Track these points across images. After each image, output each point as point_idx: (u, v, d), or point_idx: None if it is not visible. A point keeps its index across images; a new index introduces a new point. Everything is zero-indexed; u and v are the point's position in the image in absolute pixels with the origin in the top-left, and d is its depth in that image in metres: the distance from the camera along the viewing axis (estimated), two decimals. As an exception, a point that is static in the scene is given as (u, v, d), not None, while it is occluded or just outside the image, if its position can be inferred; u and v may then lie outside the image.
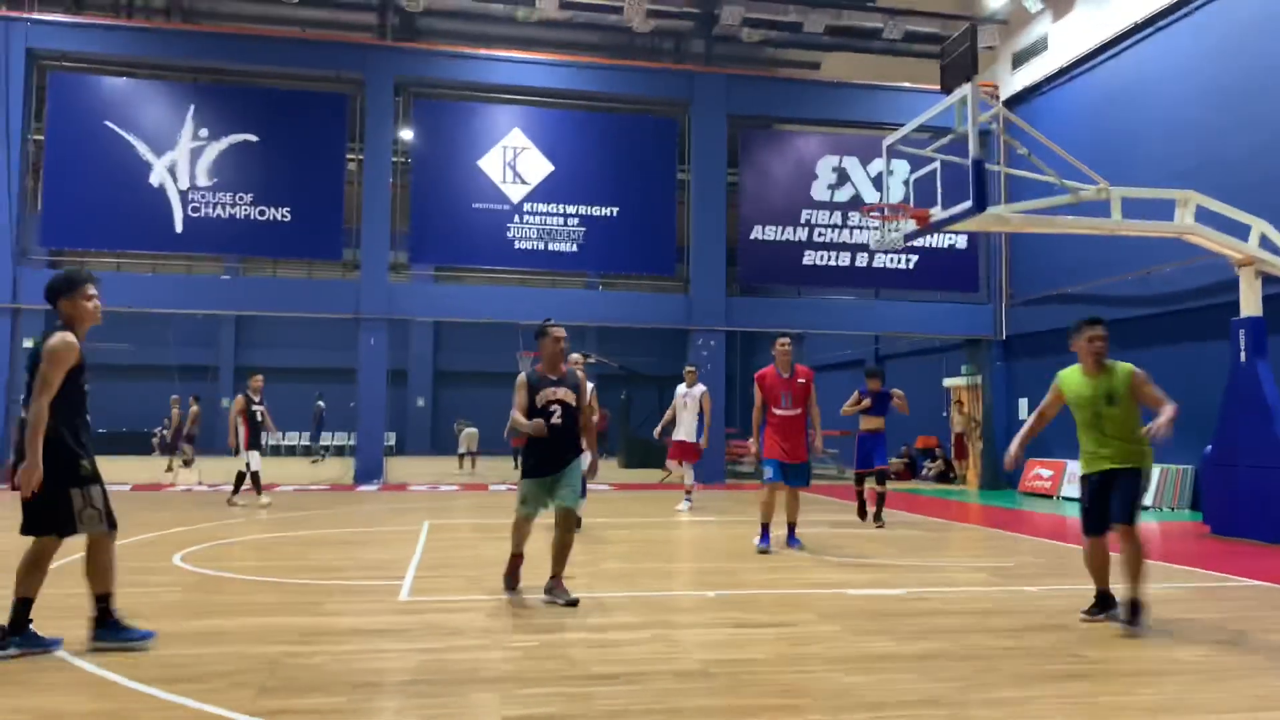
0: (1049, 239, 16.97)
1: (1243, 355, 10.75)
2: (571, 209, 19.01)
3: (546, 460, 6.33)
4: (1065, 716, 3.94)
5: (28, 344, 19.29)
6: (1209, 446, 11.25)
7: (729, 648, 5.11)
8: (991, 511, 14.35)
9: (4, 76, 17.23)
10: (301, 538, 9.96)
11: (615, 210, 19.17)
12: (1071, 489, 16.80)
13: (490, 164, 18.82)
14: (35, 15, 17.69)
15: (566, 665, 4.70)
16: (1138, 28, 16.16)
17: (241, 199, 17.90)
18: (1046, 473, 17.80)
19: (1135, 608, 5.64)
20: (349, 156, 18.73)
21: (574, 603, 6.12)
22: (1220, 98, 14.46)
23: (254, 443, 13.27)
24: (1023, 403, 19.57)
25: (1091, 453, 6.15)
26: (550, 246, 18.92)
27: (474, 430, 23.58)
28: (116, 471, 20.78)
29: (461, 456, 23.44)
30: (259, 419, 13.35)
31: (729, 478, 20.13)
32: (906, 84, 20.32)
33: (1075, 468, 17.95)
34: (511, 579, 6.62)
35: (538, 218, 18.90)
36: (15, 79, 17.31)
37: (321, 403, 29.55)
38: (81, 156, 17.49)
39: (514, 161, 18.90)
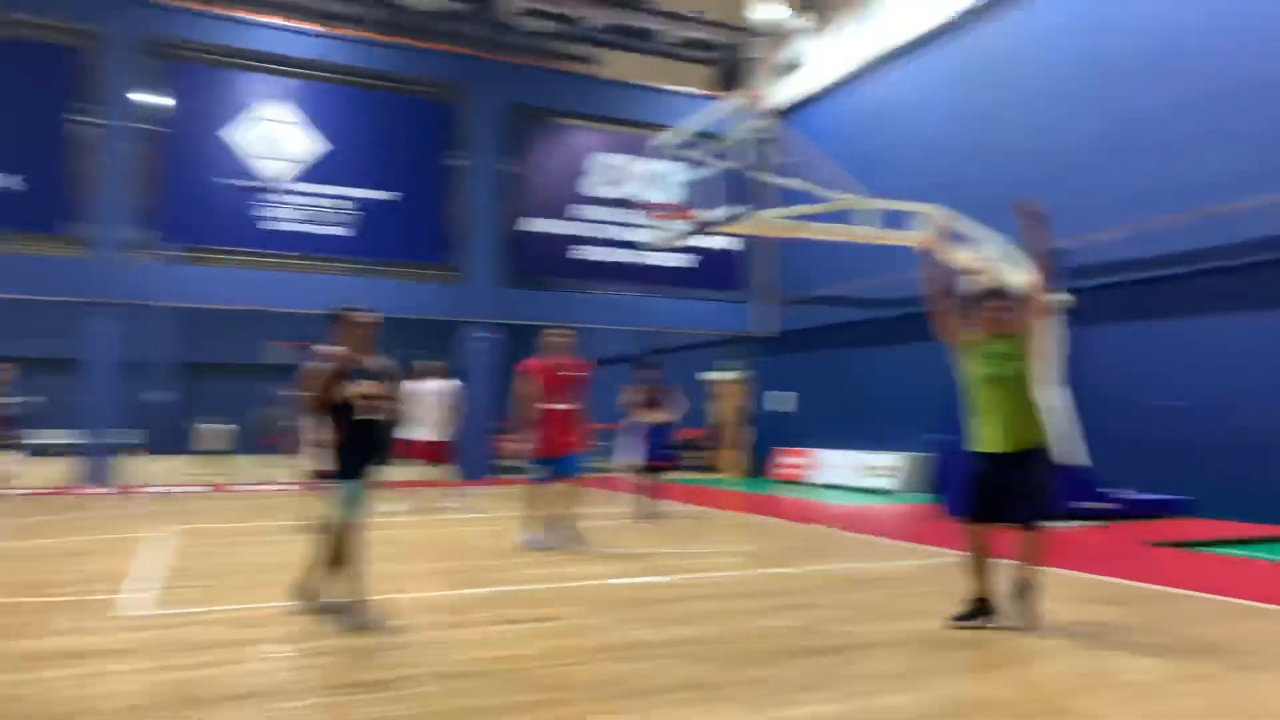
0: (813, 244, 18.00)
1: (972, 354, 11.82)
2: (340, 190, 18.12)
3: (371, 460, 5.74)
4: (814, 688, 4.14)
5: None
6: (944, 435, 12.31)
7: (497, 646, 5.01)
8: (751, 498, 15.04)
9: None
10: (13, 550, 8.85)
11: (387, 194, 18.46)
12: (823, 475, 17.97)
13: (251, 137, 17.58)
14: None
15: (324, 675, 4.44)
16: (892, 53, 17.48)
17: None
18: (800, 461, 18.92)
19: (1024, 589, 5.37)
20: (83, 119, 16.83)
21: (370, 624, 5.43)
22: (963, 120, 15.90)
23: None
24: (785, 396, 20.70)
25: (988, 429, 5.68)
26: (316, 229, 17.96)
27: (224, 428, 21.83)
28: None
29: (206, 455, 21.73)
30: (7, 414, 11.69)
31: (497, 473, 19.94)
32: (683, 87, 20.91)
33: (828, 456, 19.13)
34: (311, 590, 5.81)
35: (303, 198, 17.87)
36: None
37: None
38: None
39: (277, 136, 17.76)
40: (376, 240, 18.51)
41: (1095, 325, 13.28)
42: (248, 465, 21.93)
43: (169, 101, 17.23)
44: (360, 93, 19.02)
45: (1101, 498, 11.21)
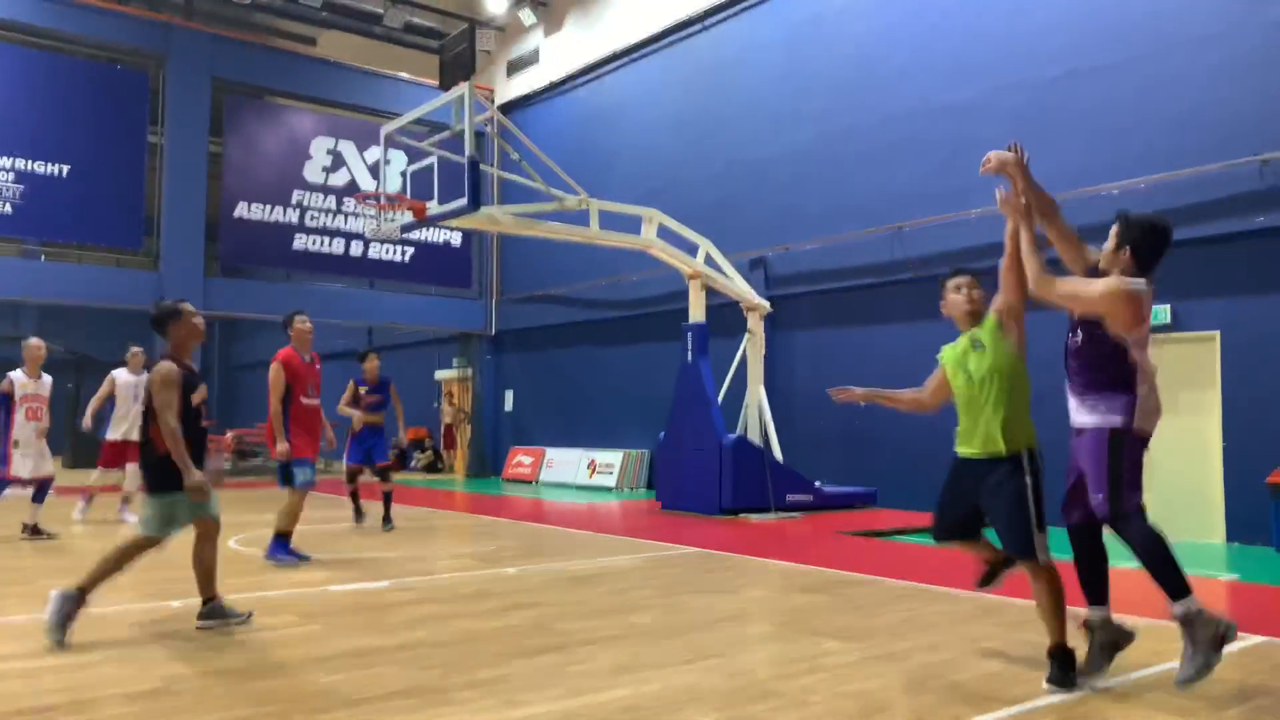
0: (536, 242, 18.15)
1: (690, 355, 12.43)
2: (6, 161, 15.91)
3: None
4: (538, 687, 4.14)
5: None
6: (662, 433, 12.84)
7: (198, 660, 4.57)
8: (477, 499, 14.90)
9: None
10: None
11: (65, 168, 16.41)
12: (549, 474, 18.13)
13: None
14: None
15: (2, 702, 3.84)
16: (617, 55, 17.95)
17: None
18: (527, 459, 18.98)
19: (1062, 658, 4.10)
20: None
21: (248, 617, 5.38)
22: (683, 128, 16.63)
23: None
24: (509, 394, 20.67)
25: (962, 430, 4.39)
26: (-25, 203, 15.64)
27: None
28: None
29: None
30: None
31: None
32: (406, 74, 20.33)
33: (554, 455, 19.38)
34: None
35: (-43, 167, 15.49)
36: None
37: None
38: None
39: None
40: (50, 219, 16.40)
41: (793, 330, 14.40)
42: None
43: None
44: (35, 53, 16.82)
45: (800, 490, 12.13)
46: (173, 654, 4.74)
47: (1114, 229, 4.17)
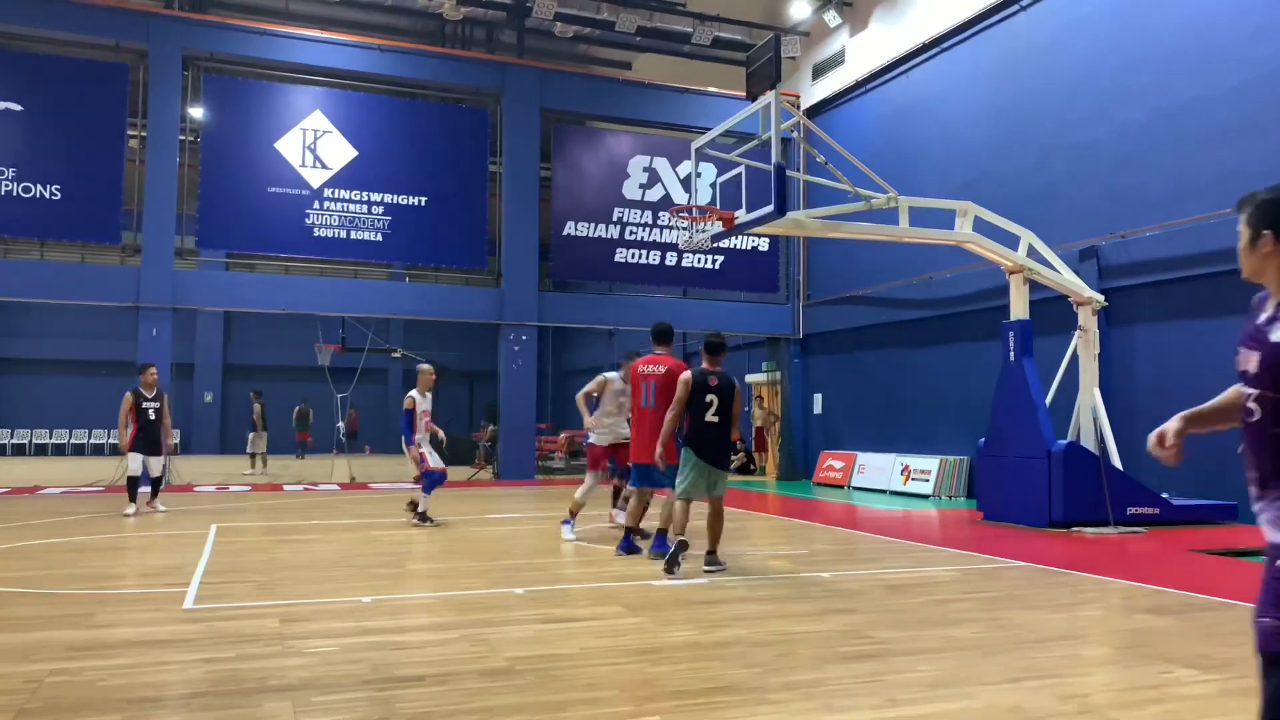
0: (843, 244, 17.97)
1: (1012, 355, 11.73)
2: (376, 196, 18.36)
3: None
4: (854, 694, 4.15)
5: None
6: (982, 439, 12.22)
7: (536, 644, 5.06)
8: (789, 501, 15.01)
9: None
10: (73, 544, 9.10)
11: (423, 200, 18.67)
12: (861, 479, 17.85)
13: (288, 146, 17.86)
14: None
15: (367, 669, 4.51)
16: (925, 47, 17.35)
17: (1, 173, 16.17)
18: (838, 463, 18.81)
19: None
20: (130, 133, 17.26)
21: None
22: (996, 117, 15.74)
23: (142, 445, 11.76)
24: (817, 398, 20.62)
25: None
26: (353, 235, 18.20)
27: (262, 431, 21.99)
28: None
29: (252, 455, 22.04)
30: (151, 417, 11.84)
31: (539, 473, 20.07)
32: (714, 89, 20.92)
33: (866, 459, 18.98)
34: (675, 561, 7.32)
35: (340, 204, 18.12)
36: None
37: None
38: None
39: (314, 145, 18.03)
40: (414, 246, 18.74)
41: (1132, 325, 13.12)
42: (295, 465, 22.25)
43: (209, 114, 17.57)
44: (396, 100, 19.28)
45: (1144, 502, 11.05)
46: (518, 638, 5.27)
47: (1242, 218, 2.47)
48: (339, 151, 18.16)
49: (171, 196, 17.13)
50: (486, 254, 19.51)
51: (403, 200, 18.53)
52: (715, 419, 7.56)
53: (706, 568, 7.48)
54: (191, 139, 18.04)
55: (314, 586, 6.86)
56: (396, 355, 28.99)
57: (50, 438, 31.18)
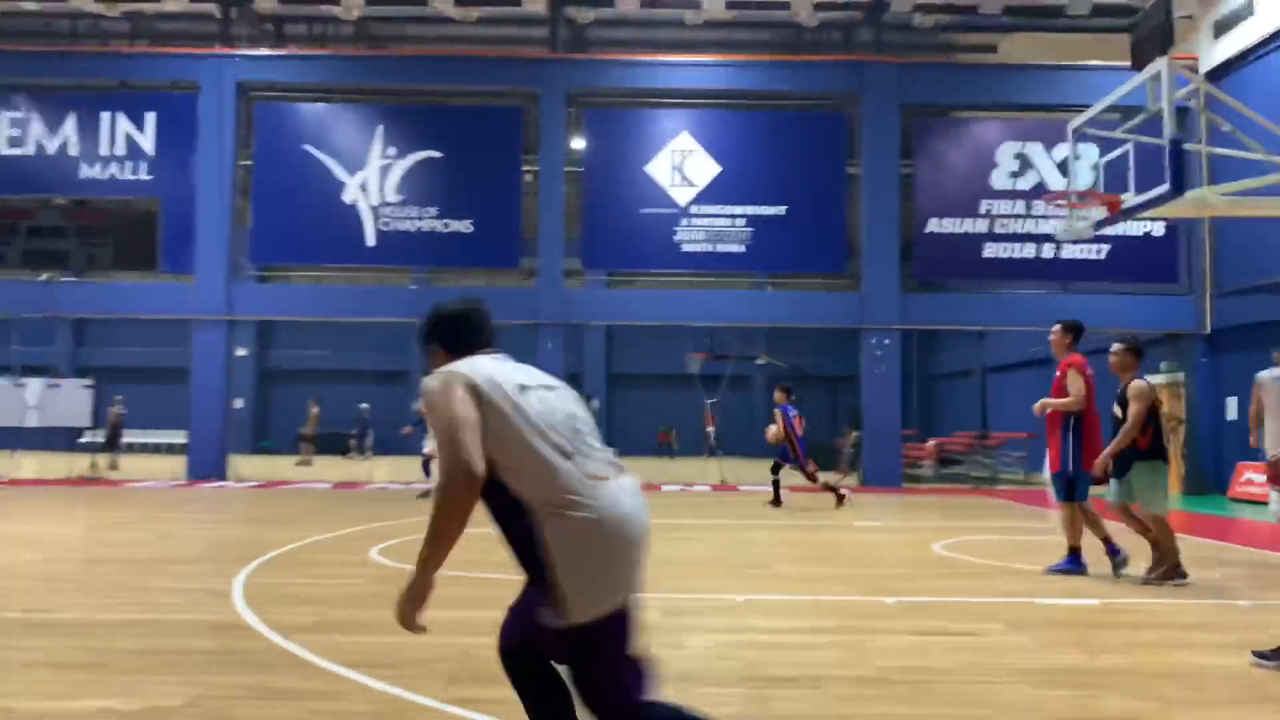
0: (1258, 222, 15.55)
1: None
2: (739, 209, 19.02)
3: None
4: (1285, 743, 3.64)
5: (241, 352, 21.06)
6: None
7: (909, 655, 4.99)
8: (1197, 519, 13.33)
9: (218, 107, 18.92)
10: (485, 534, 10.38)
11: (783, 209, 19.03)
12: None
13: (658, 168, 19.08)
14: (244, 51, 19.37)
15: (743, 667, 4.72)
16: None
17: (426, 212, 18.95)
18: (1259, 477, 16.32)
19: None
20: (524, 168, 19.42)
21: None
22: None
23: None
24: (1230, 402, 18.04)
25: None
26: (718, 248, 19.00)
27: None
28: (315, 470, 22.36)
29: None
30: None
31: (905, 481, 19.57)
32: (1093, 62, 19.15)
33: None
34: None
35: (705, 219, 19.03)
36: (227, 109, 18.96)
37: (364, 405, 29.89)
38: (284, 178, 18.98)
39: (681, 164, 19.10)
40: (775, 254, 19.17)
41: None
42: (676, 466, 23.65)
43: (589, 145, 19.29)
44: (754, 114, 19.84)
45: None
46: (890, 647, 5.23)
47: None
48: (704, 168, 19.07)
49: (560, 223, 19.04)
50: (844, 257, 19.42)
51: (764, 211, 19.02)
52: None
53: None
54: (574, 169, 19.87)
55: (690, 582, 7.27)
56: (761, 362, 29.73)
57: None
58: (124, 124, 19.03)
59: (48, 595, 6.56)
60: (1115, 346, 7.60)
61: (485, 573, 7.70)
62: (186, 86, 19.17)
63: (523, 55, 19.90)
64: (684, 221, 18.99)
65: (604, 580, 2.48)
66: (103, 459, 20.05)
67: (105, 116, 19.04)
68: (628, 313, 20.10)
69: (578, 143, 20.07)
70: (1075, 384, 7.50)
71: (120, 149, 19.00)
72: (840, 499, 13.32)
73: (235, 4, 19.66)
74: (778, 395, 13.83)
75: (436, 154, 19.06)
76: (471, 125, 19.32)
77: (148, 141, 19.02)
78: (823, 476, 14.01)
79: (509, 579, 7.29)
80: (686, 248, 18.99)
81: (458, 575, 7.55)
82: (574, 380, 27.15)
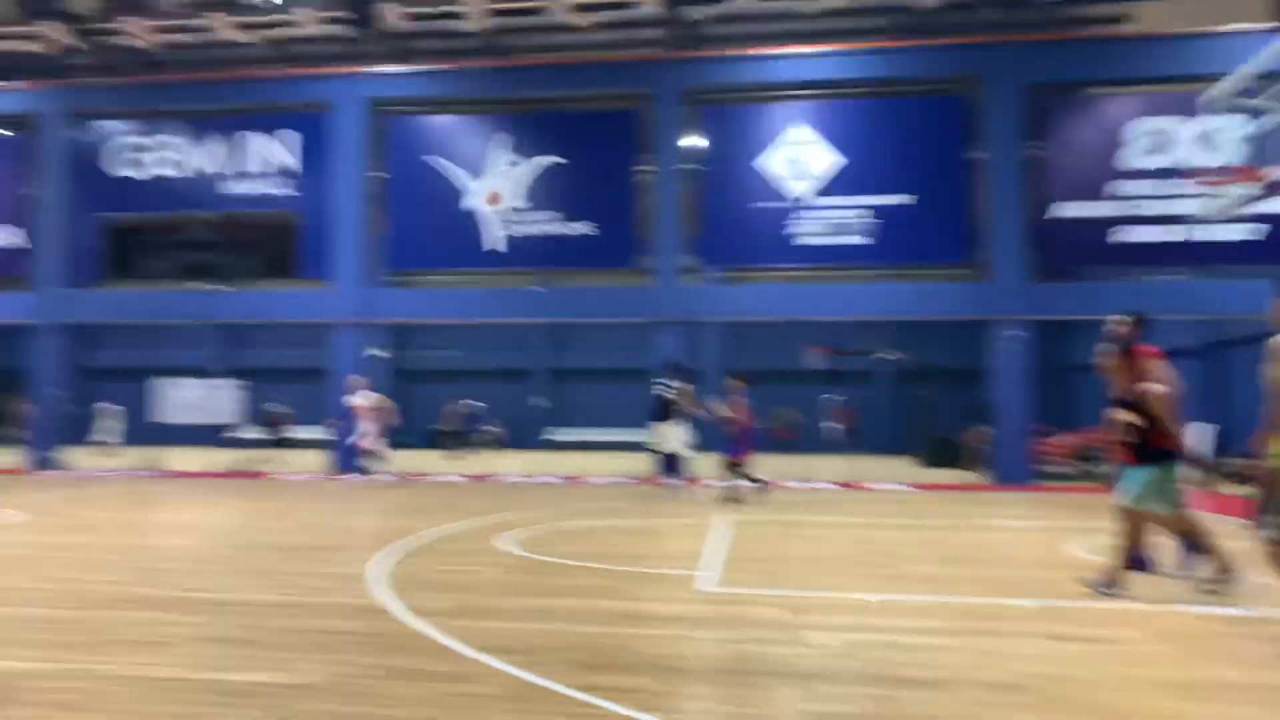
0: None
1: None
2: (859, 200, 18.75)
3: None
4: None
5: (380, 353, 22.03)
6: None
7: (1044, 661, 4.91)
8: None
9: (351, 124, 19.93)
10: (610, 527, 10.64)
11: (905, 199, 18.65)
12: None
13: (774, 162, 18.99)
14: (373, 69, 20.32)
15: (871, 667, 4.75)
16: None
17: (550, 216, 19.50)
18: None
19: None
20: (642, 169, 19.64)
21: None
22: None
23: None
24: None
25: None
26: (839, 240, 18.78)
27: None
28: (452, 463, 23.17)
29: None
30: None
31: (1037, 478, 18.89)
32: (1235, 26, 18.03)
33: None
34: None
35: (824, 211, 18.85)
36: (360, 125, 19.96)
37: (470, 402, 30.81)
38: (415, 188, 19.87)
39: (798, 157, 18.97)
40: (896, 245, 18.82)
41: None
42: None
43: (705, 142, 19.35)
44: (873, 102, 19.49)
45: None
46: (1023, 653, 5.13)
47: None
48: (821, 160, 18.87)
49: (677, 222, 19.19)
50: (970, 247, 18.85)
51: (885, 201, 18.69)
52: None
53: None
54: (690, 167, 19.95)
55: (819, 580, 7.29)
56: (890, 358, 29.16)
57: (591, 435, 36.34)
58: (265, 143, 20.31)
59: (205, 576, 7.14)
60: None
61: (616, 565, 7.91)
62: (322, 106, 20.23)
63: (637, 59, 20.10)
64: (800, 215, 18.85)
65: None
66: (262, 454, 21.18)
67: (249, 137, 20.41)
68: (744, 308, 20.02)
69: (693, 141, 20.12)
70: None
71: (263, 166, 20.31)
72: (755, 486, 13.98)
73: (364, 24, 20.57)
74: (735, 384, 14.49)
75: (562, 160, 19.58)
76: (590, 129, 19.73)
77: (288, 158, 20.24)
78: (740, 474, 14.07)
79: (638, 571, 7.49)
80: (804, 241, 18.85)
81: (593, 567, 7.79)
82: (695, 376, 27.09)
